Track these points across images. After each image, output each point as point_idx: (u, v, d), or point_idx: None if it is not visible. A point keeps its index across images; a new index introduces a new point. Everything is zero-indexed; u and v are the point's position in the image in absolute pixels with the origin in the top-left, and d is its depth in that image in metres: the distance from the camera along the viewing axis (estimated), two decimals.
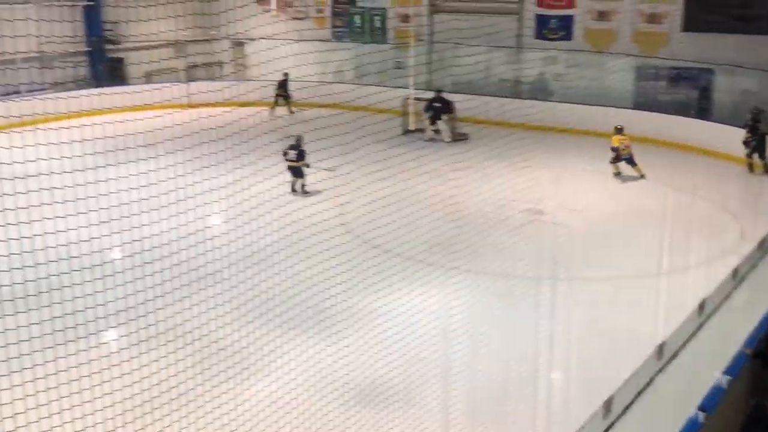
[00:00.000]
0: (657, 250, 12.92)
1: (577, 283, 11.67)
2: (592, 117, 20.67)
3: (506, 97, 22.63)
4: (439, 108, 21.56)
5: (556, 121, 19.55)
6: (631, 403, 6.20)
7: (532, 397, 8.69)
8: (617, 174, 17.24)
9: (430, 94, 21.75)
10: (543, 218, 14.18)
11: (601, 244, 13.29)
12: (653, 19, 22.62)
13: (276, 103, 24.16)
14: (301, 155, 15.44)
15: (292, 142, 15.51)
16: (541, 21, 24.21)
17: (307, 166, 15.44)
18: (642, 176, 17.16)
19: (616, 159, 17.22)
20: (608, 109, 20.94)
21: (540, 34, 24.26)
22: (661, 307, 10.59)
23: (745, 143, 17.77)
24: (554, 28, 24.09)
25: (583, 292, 11.36)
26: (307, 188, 15.50)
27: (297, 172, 15.63)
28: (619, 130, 17.35)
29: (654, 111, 20.98)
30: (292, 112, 23.87)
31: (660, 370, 6.65)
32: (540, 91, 24.04)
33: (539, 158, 17.08)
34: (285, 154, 15.53)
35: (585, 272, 12.01)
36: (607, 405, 5.99)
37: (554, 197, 15.04)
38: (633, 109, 21.57)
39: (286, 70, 22.65)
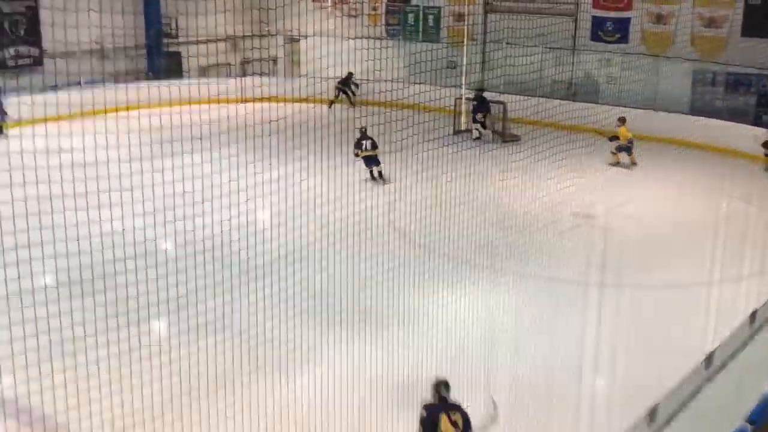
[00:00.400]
0: (709, 258, 12.69)
1: (626, 290, 11.51)
2: (647, 121, 20.35)
3: (560, 98, 22.42)
4: (476, 107, 21.58)
5: (610, 125, 19.28)
6: (677, 412, 6.12)
7: (575, 403, 8.62)
8: (617, 164, 18.04)
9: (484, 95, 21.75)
10: (593, 222, 14.02)
11: (652, 250, 13.08)
12: (712, 23, 22.16)
13: (336, 99, 24.42)
14: (374, 144, 15.81)
15: (357, 135, 15.89)
16: (597, 23, 23.92)
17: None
18: (634, 164, 18.12)
19: (620, 149, 18.03)
20: (663, 113, 20.62)
21: (596, 36, 23.98)
22: (711, 316, 10.40)
23: (764, 144, 17.98)
24: (610, 30, 23.79)
25: (632, 299, 11.21)
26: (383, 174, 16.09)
27: (374, 161, 16.02)
28: (623, 120, 18.10)
29: (710, 117, 20.59)
30: (353, 105, 24.11)
31: (708, 380, 6.55)
32: (594, 94, 23.75)
33: (591, 161, 16.90)
34: (359, 145, 15.87)
35: (634, 279, 11.84)
36: (652, 414, 5.93)
37: (606, 202, 14.85)
38: (689, 114, 21.20)
39: (350, 70, 22.91)
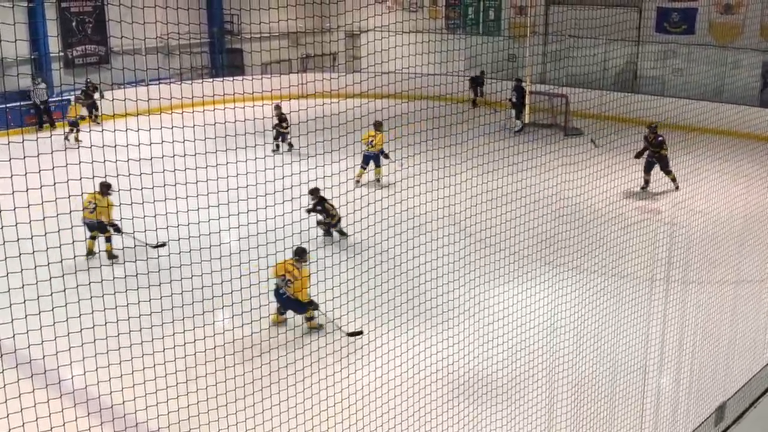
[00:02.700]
0: None
1: (692, 286, 11.25)
2: (714, 114, 19.83)
3: (623, 91, 22.01)
4: (516, 96, 21.49)
5: (675, 117, 18.84)
6: (746, 411, 5.96)
7: (638, 400, 8.47)
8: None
9: (545, 88, 21.50)
10: (659, 217, 13.74)
11: (720, 246, 12.75)
12: None
13: (474, 99, 24.19)
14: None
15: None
16: (663, 13, 23.41)
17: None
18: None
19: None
20: (731, 106, 20.06)
21: (661, 27, 23.46)
22: None
23: None
24: (676, 21, 23.24)
25: (698, 296, 10.95)
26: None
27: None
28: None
29: None
30: (475, 105, 23.80)
31: None
32: (659, 86, 23.25)
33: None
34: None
35: (701, 275, 11.56)
36: (720, 412, 5.79)
37: (671, 196, 14.54)
38: (758, 106, 20.58)
39: (482, 68, 22.80)
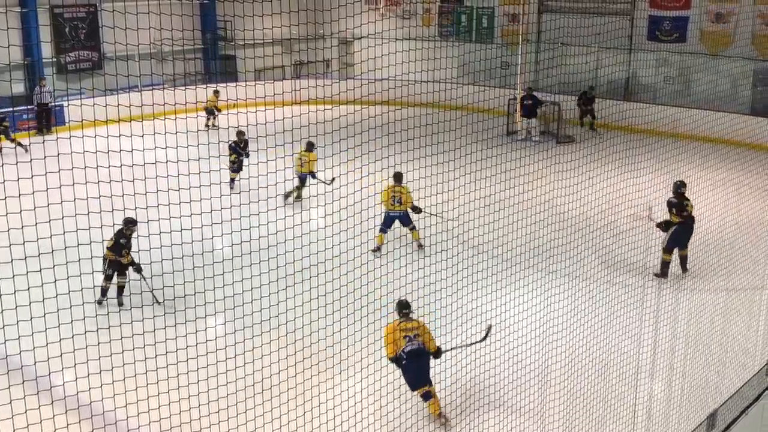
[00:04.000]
0: None
1: (684, 293, 11.29)
2: (706, 122, 19.93)
3: (615, 99, 22.12)
4: (529, 105, 21.53)
5: (667, 125, 18.92)
6: (737, 418, 5.98)
7: (631, 407, 8.49)
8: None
9: (538, 95, 21.63)
10: (651, 224, 13.77)
11: (712, 253, 12.81)
12: None
13: (582, 119, 22.54)
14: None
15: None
16: (654, 22, 23.53)
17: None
18: None
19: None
20: (723, 114, 20.16)
21: (653, 36, 23.59)
22: None
23: None
24: (668, 30, 23.36)
25: (691, 303, 10.99)
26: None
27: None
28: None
29: None
30: (594, 130, 22.06)
31: None
32: (650, 94, 23.36)
33: (648, 162, 16.58)
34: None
35: (693, 282, 11.61)
36: (711, 420, 5.81)
37: (664, 203, 14.57)
38: (749, 114, 20.69)
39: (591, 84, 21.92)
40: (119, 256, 10.66)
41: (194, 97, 18.60)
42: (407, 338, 8.54)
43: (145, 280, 10.36)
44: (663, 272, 12.09)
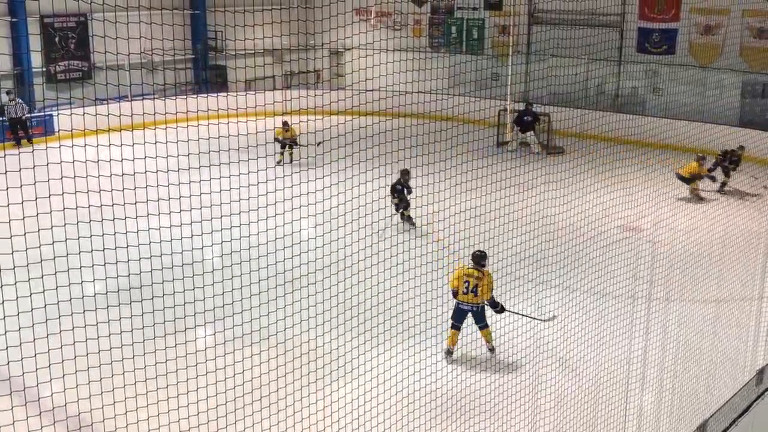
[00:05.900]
0: (760, 273, 12.41)
1: (673, 305, 11.32)
2: (695, 133, 20.05)
3: (605, 110, 22.23)
4: (529, 121, 21.61)
5: (657, 137, 19.02)
6: (727, 429, 5.99)
7: (621, 418, 8.48)
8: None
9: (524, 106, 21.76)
10: (640, 236, 13.83)
11: (701, 264, 12.85)
12: (762, 33, 21.79)
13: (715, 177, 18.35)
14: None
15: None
16: (644, 34, 23.69)
17: None
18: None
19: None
20: (712, 125, 20.29)
21: (642, 48, 23.74)
22: (762, 331, 10.16)
23: None
24: (657, 42, 23.52)
25: (680, 314, 11.02)
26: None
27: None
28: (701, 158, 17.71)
29: (760, 129, 20.22)
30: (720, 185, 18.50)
31: (759, 397, 6.40)
32: (640, 105, 23.50)
33: (638, 174, 16.65)
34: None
35: (683, 293, 11.64)
36: (702, 430, 5.81)
37: (653, 215, 14.63)
38: (738, 126, 20.84)
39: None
40: None
41: (185, 107, 18.59)
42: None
43: None
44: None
